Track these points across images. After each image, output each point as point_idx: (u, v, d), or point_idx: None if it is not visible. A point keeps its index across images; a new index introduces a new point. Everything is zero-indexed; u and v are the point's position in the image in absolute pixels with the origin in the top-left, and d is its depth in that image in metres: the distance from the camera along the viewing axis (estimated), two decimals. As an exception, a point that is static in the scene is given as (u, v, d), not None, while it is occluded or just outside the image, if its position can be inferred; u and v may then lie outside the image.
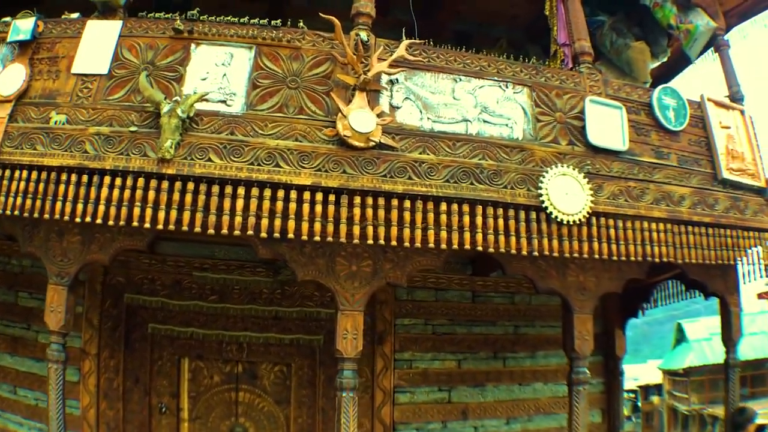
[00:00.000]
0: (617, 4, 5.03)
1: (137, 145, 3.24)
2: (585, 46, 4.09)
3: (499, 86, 3.76)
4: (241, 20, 3.55)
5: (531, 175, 3.57)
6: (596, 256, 3.61)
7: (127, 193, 3.16)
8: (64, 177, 3.24)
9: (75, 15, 3.66)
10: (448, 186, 3.38)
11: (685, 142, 4.13)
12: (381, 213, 3.24)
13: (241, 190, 3.15)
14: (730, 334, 4.31)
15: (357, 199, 3.23)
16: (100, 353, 4.47)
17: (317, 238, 3.15)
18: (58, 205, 3.21)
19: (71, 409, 4.37)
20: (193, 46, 3.48)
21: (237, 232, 3.10)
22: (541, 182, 3.53)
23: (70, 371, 4.39)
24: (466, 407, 4.88)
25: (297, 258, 3.47)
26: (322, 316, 4.72)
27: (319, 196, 3.18)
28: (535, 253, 3.46)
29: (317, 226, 3.15)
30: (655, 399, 24.03)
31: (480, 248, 3.35)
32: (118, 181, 3.18)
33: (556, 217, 3.50)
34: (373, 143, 3.30)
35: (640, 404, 25.82)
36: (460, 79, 3.69)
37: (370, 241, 3.22)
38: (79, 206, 3.18)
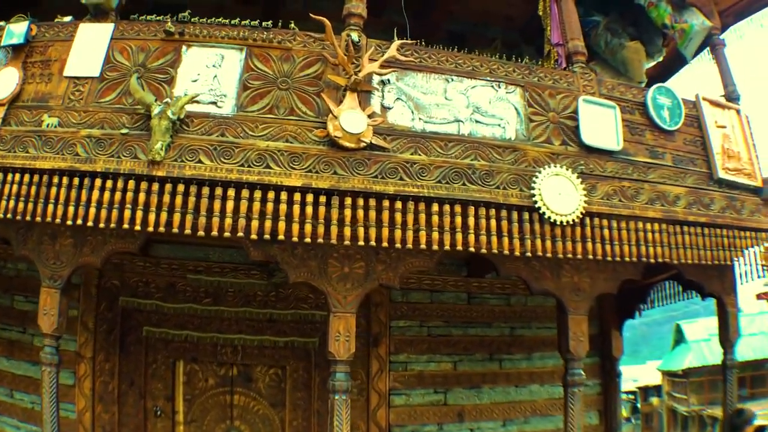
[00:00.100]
0: (612, 4, 5.01)
1: (128, 148, 3.24)
2: (578, 45, 4.07)
3: (492, 86, 3.74)
4: (232, 22, 3.54)
5: (524, 175, 3.55)
6: (590, 257, 3.59)
7: (117, 196, 3.16)
8: (56, 180, 3.24)
9: (68, 18, 3.68)
10: (439, 187, 3.37)
11: (680, 141, 4.11)
12: (372, 214, 3.23)
13: (231, 192, 3.14)
14: (727, 335, 4.27)
15: (348, 201, 3.22)
16: (95, 356, 4.48)
17: (308, 240, 3.14)
18: (50, 208, 3.21)
19: (67, 412, 4.37)
20: (184, 48, 3.48)
21: (227, 234, 3.09)
22: (534, 182, 3.52)
23: (66, 375, 4.40)
24: (462, 409, 4.85)
25: (289, 260, 3.46)
26: (316, 318, 4.71)
27: (309, 198, 3.17)
28: (528, 254, 3.44)
29: (308, 227, 3.13)
30: (654, 400, 23.95)
31: (472, 249, 3.33)
32: (109, 183, 3.18)
33: (549, 217, 3.48)
34: (364, 144, 3.29)
35: (639, 405, 25.73)
36: (452, 80, 3.68)
37: (361, 243, 3.21)
38: (71, 209, 3.18)
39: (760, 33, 5.15)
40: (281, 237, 3.13)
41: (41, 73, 3.52)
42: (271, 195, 3.15)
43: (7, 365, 4.63)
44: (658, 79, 5.08)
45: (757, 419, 4.35)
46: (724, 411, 4.27)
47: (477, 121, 3.63)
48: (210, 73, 3.42)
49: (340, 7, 3.76)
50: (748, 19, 5.01)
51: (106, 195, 3.16)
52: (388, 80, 3.54)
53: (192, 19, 3.56)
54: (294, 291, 4.71)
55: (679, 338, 21.14)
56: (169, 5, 3.86)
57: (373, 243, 3.22)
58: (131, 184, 3.16)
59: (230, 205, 3.12)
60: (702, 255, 3.88)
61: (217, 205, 3.12)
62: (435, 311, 4.99)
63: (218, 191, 3.14)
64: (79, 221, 3.16)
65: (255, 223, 3.11)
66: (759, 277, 4.23)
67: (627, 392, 25.82)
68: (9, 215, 3.23)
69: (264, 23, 3.62)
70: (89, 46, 3.51)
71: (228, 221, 3.11)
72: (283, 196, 3.16)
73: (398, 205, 3.28)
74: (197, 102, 3.32)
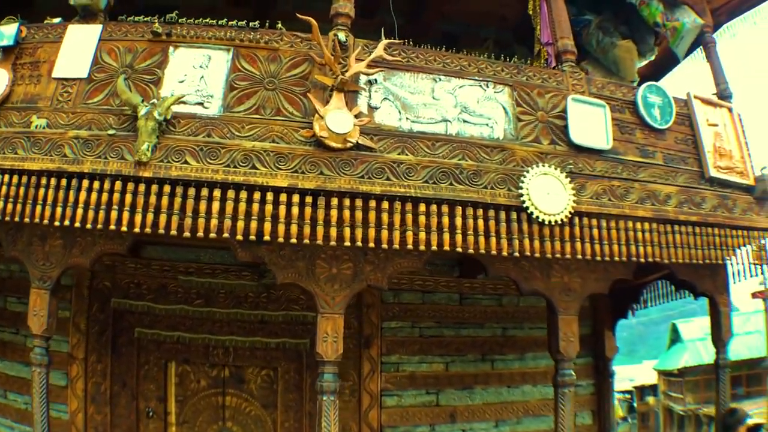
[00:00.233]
0: (604, 3, 5.01)
1: (115, 149, 3.24)
2: (568, 44, 4.06)
3: (480, 86, 3.74)
4: (219, 22, 3.54)
5: (512, 175, 3.54)
6: (579, 257, 3.58)
7: (105, 197, 3.16)
8: (44, 181, 3.25)
9: (57, 20, 3.68)
10: (427, 187, 3.36)
11: (671, 140, 4.09)
12: (358, 214, 3.22)
13: (217, 193, 3.14)
14: (720, 335, 4.25)
15: (334, 201, 3.21)
16: (87, 358, 4.47)
17: (294, 241, 3.14)
18: (38, 209, 3.21)
19: (60, 413, 4.38)
20: (171, 48, 3.48)
21: (213, 235, 3.09)
22: (522, 182, 3.51)
23: (59, 376, 4.41)
24: (454, 410, 4.84)
25: (276, 261, 3.46)
26: (308, 319, 4.69)
27: (295, 198, 3.17)
28: (516, 254, 3.43)
29: (294, 228, 3.13)
30: (650, 400, 23.93)
31: (459, 249, 3.32)
32: (96, 184, 3.19)
33: (538, 217, 3.47)
34: (351, 144, 3.28)
35: (635, 405, 25.70)
36: (440, 79, 3.67)
37: (347, 243, 3.20)
38: (59, 210, 3.19)
39: (753, 31, 5.13)
40: (267, 238, 3.13)
41: (30, 75, 3.52)
42: (257, 195, 3.15)
43: (1, 366, 4.63)
44: (650, 79, 5.05)
45: (752, 418, 4.33)
46: (717, 410, 4.24)
47: (465, 121, 3.62)
48: (197, 74, 3.42)
49: (329, 7, 3.74)
50: (742, 17, 4.99)
51: (94, 196, 3.16)
52: (376, 80, 3.53)
53: (179, 20, 3.56)
54: (285, 292, 4.70)
55: (675, 337, 21.14)
56: (160, 7, 3.87)
57: (359, 244, 3.21)
58: (118, 185, 3.16)
59: (216, 205, 3.12)
60: (693, 254, 3.86)
61: (203, 206, 3.12)
62: (427, 312, 4.97)
63: (204, 192, 3.14)
64: (67, 222, 3.16)
65: (241, 224, 3.11)
66: (752, 276, 4.21)
67: (624, 392, 25.84)
68: (-1, 216, 3.24)
69: (253, 24, 3.62)
70: (78, 48, 3.51)
71: (214, 222, 3.11)
72: (269, 196, 3.15)
73: (385, 205, 3.27)
74: (184, 103, 3.32)
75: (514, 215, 3.47)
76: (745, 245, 4.06)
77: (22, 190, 3.24)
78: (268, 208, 3.13)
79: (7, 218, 3.25)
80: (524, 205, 3.46)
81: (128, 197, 3.14)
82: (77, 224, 3.15)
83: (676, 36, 4.56)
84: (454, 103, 3.64)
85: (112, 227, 3.13)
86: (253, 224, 3.12)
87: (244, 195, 3.14)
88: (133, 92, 3.33)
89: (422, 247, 3.30)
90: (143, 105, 3.23)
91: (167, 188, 3.14)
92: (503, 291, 5.14)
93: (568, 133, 3.74)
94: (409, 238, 3.26)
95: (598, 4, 5.02)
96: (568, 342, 3.78)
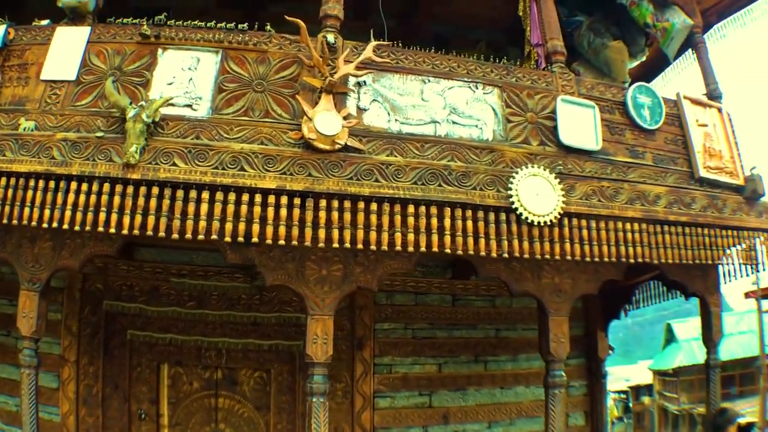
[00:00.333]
0: (595, 4, 5.01)
1: (103, 151, 3.23)
2: (557, 45, 4.07)
3: (469, 87, 3.74)
4: (208, 24, 3.54)
5: (501, 176, 3.54)
6: (569, 258, 3.58)
7: (93, 199, 3.16)
8: (32, 183, 3.24)
9: (45, 22, 3.68)
10: (415, 188, 3.36)
11: (660, 140, 4.10)
12: (347, 216, 3.22)
13: (205, 195, 3.13)
14: (710, 335, 4.26)
15: (322, 203, 3.21)
16: (79, 360, 4.47)
17: (282, 242, 3.13)
18: (26, 211, 3.21)
19: (51, 415, 4.38)
20: (160, 50, 3.49)
21: (201, 237, 3.08)
22: (511, 183, 3.50)
23: (50, 378, 4.41)
24: (447, 412, 4.84)
25: (266, 262, 3.46)
26: (301, 321, 4.63)
27: (284, 200, 3.16)
28: (505, 255, 3.43)
29: (282, 230, 3.13)
30: (645, 399, 23.95)
31: (448, 250, 3.32)
32: (85, 186, 3.18)
33: (527, 218, 3.47)
34: (339, 146, 3.29)
35: (631, 405, 25.75)
36: (429, 81, 3.68)
37: (336, 245, 3.21)
38: (47, 212, 3.18)
39: (743, 32, 5.14)
40: (255, 239, 3.13)
41: (18, 77, 3.52)
42: (245, 197, 3.14)
43: (-9, 369, 4.64)
44: (642, 80, 5.04)
45: (743, 417, 4.34)
46: (707, 410, 4.24)
47: (454, 122, 3.63)
48: (186, 76, 3.42)
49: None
50: (732, 17, 5.00)
51: (82, 198, 3.16)
52: (365, 82, 3.54)
53: (168, 22, 3.56)
54: (278, 294, 4.70)
55: (670, 337, 21.18)
56: (152, 9, 3.87)
57: (348, 245, 3.21)
58: (106, 187, 3.16)
59: (204, 207, 3.12)
60: (683, 255, 3.86)
61: (191, 207, 3.12)
62: (420, 313, 4.98)
63: (192, 194, 3.13)
64: (55, 224, 3.16)
65: (229, 226, 3.11)
66: (742, 276, 4.21)
67: (619, 392, 25.87)
68: (-14, 218, 3.23)
69: (243, 26, 3.62)
70: (66, 50, 3.51)
71: (202, 224, 3.10)
72: (258, 198, 3.15)
73: (373, 206, 3.27)
74: (172, 105, 3.32)
75: (503, 216, 3.46)
76: (735, 245, 4.06)
77: (10, 192, 3.23)
78: (257, 209, 3.13)
79: (-4, 220, 3.25)
80: (513, 206, 3.46)
81: (116, 199, 3.13)
82: (65, 226, 3.15)
83: (666, 36, 4.57)
84: (443, 104, 3.65)
85: (101, 229, 3.13)
86: (242, 226, 3.11)
87: (232, 197, 3.13)
88: (121, 94, 3.33)
89: (411, 249, 3.29)
90: (131, 107, 3.23)
91: (155, 190, 3.14)
92: (496, 292, 5.14)
93: (557, 134, 3.75)
94: (397, 239, 3.26)
95: (589, 5, 5.03)
96: (558, 343, 3.78)
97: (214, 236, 3.11)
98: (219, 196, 3.14)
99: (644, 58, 5.11)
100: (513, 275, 3.79)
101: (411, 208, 3.31)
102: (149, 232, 3.10)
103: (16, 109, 3.44)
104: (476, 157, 3.56)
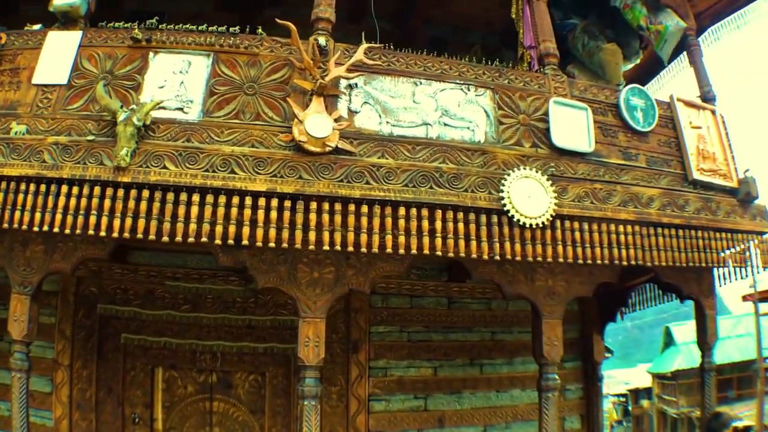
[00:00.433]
0: (590, 7, 5.02)
1: (94, 154, 3.23)
2: (550, 47, 4.07)
3: (461, 89, 3.74)
4: (200, 28, 3.55)
5: (493, 178, 3.53)
6: (561, 260, 3.57)
7: (84, 202, 3.16)
8: (23, 187, 3.24)
9: (37, 26, 3.69)
10: (406, 190, 3.35)
11: (654, 142, 4.09)
12: (337, 218, 3.21)
13: (195, 197, 3.13)
14: (705, 338, 4.23)
15: (313, 205, 3.20)
16: (72, 364, 4.46)
17: (272, 245, 3.13)
18: (17, 214, 3.21)
19: (44, 420, 4.37)
20: (151, 54, 3.49)
21: (191, 240, 3.08)
22: (503, 185, 3.50)
23: (44, 382, 4.41)
24: (443, 415, 4.82)
25: (258, 265, 3.46)
26: (296, 324, 4.48)
27: (274, 202, 3.16)
28: (497, 257, 3.42)
29: (272, 232, 3.12)
30: (645, 403, 23.91)
31: (439, 253, 3.31)
32: (75, 190, 3.18)
33: (519, 220, 3.47)
34: (330, 148, 3.28)
35: (630, 408, 25.67)
36: (421, 83, 3.68)
37: (326, 247, 3.20)
38: (38, 215, 3.18)
39: (738, 34, 5.14)
40: (245, 242, 3.12)
41: (10, 81, 3.52)
42: (235, 200, 3.14)
43: (-16, 373, 4.63)
44: (638, 83, 5.02)
45: (741, 421, 4.30)
46: (702, 414, 4.22)
47: (446, 124, 3.62)
48: (177, 80, 3.42)
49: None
50: (725, 20, 5.00)
51: (73, 201, 3.16)
52: (356, 84, 3.54)
53: (161, 26, 3.57)
54: (273, 297, 4.69)
55: (669, 340, 21.16)
56: (147, 13, 3.88)
57: (338, 248, 3.20)
58: (97, 190, 3.16)
59: (194, 210, 3.11)
60: (677, 257, 3.85)
61: (181, 210, 3.11)
62: (415, 316, 4.97)
63: (183, 197, 3.13)
64: (46, 227, 3.16)
65: (219, 229, 3.10)
66: (737, 279, 4.19)
67: (618, 395, 25.81)
68: (-22, 222, 3.23)
69: (234, 29, 3.63)
70: (58, 54, 3.51)
71: (192, 227, 3.09)
72: (248, 201, 3.15)
73: (364, 209, 3.27)
74: (164, 108, 3.32)
75: (495, 218, 3.46)
76: (729, 248, 4.04)
77: (1, 196, 3.23)
78: (247, 212, 3.13)
79: (-13, 224, 3.25)
80: (505, 209, 3.46)
81: (107, 202, 3.14)
82: (56, 229, 3.15)
83: (660, 39, 4.56)
84: (434, 106, 3.64)
85: (91, 232, 3.13)
86: (232, 229, 3.11)
87: (222, 200, 3.13)
88: (112, 98, 3.33)
89: (402, 251, 3.29)
90: (122, 111, 3.23)
91: (146, 193, 3.14)
92: (492, 295, 5.12)
93: (549, 136, 3.74)
94: (388, 242, 3.25)
95: (583, 8, 5.03)
96: (552, 346, 3.76)
97: (204, 239, 3.11)
98: (209, 198, 3.14)
99: (639, 61, 5.10)
100: (506, 278, 3.78)
101: (402, 211, 3.31)
102: (139, 236, 3.10)
103: (8, 113, 3.44)
104: (468, 159, 3.56)
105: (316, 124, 3.27)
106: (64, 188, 3.19)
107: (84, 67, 3.49)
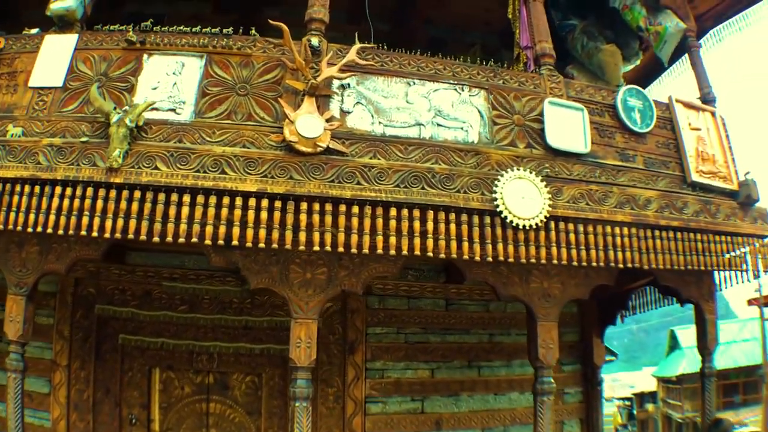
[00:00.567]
0: (589, 8, 4.98)
1: (87, 156, 3.26)
2: (546, 47, 4.03)
3: (455, 89, 3.72)
4: (193, 29, 3.57)
5: (486, 179, 3.50)
6: (555, 262, 3.53)
7: (77, 203, 3.18)
8: (18, 188, 3.27)
9: (34, 30, 3.72)
10: (398, 191, 3.34)
11: (652, 144, 4.04)
12: (328, 219, 3.21)
13: (186, 198, 3.14)
14: (705, 343, 4.17)
15: (304, 205, 3.20)
16: (70, 364, 4.49)
17: (262, 245, 3.13)
18: (12, 215, 3.24)
19: (42, 420, 4.40)
20: (145, 56, 3.51)
21: (182, 240, 3.09)
22: (496, 186, 3.47)
23: (41, 383, 4.43)
24: (440, 418, 4.79)
25: (250, 266, 3.45)
26: None
27: (264, 203, 3.16)
28: (489, 259, 3.39)
29: (262, 232, 3.12)
30: (649, 407, 23.64)
31: (431, 254, 3.29)
32: (69, 191, 3.20)
33: (512, 221, 3.44)
34: (321, 148, 3.28)
35: (635, 412, 25.38)
36: (414, 83, 3.66)
37: (317, 248, 3.19)
38: (32, 216, 3.21)
39: (740, 36, 5.07)
40: (235, 242, 3.12)
41: (8, 85, 3.56)
42: (226, 201, 3.15)
43: (-18, 374, 4.66)
44: (639, 85, 4.96)
45: (748, 427, 4.23)
46: (702, 420, 4.14)
47: (439, 125, 3.60)
48: (170, 81, 3.44)
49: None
50: (727, 22, 4.94)
51: (66, 202, 3.18)
52: (348, 84, 3.53)
53: (155, 28, 3.59)
54: (270, 298, 4.69)
55: (674, 344, 20.90)
56: (146, 15, 3.90)
57: (328, 248, 3.19)
58: (90, 191, 3.18)
59: (185, 211, 3.12)
60: (675, 260, 3.79)
61: (172, 210, 3.12)
62: (412, 318, 4.94)
63: (174, 197, 3.15)
64: (40, 228, 3.18)
65: (210, 229, 3.11)
66: (738, 282, 4.13)
67: (623, 399, 25.51)
68: (-26, 224, 3.26)
69: (228, 30, 3.64)
70: (54, 57, 3.55)
71: (183, 227, 3.10)
72: (238, 201, 3.15)
73: (355, 209, 3.26)
74: (156, 109, 3.35)
75: (488, 220, 3.43)
76: (729, 251, 3.97)
77: (-3, 197, 3.27)
78: (237, 212, 3.13)
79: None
80: (498, 210, 3.43)
81: (99, 203, 3.15)
82: (50, 230, 3.17)
83: (659, 40, 4.51)
84: (428, 106, 3.63)
85: (84, 233, 3.15)
86: (223, 229, 3.11)
87: (213, 200, 3.14)
88: (106, 100, 3.36)
89: (393, 252, 3.27)
90: (115, 112, 3.25)
91: (138, 194, 3.15)
92: (490, 297, 5.07)
93: (544, 137, 3.71)
94: (379, 242, 3.24)
95: (582, 8, 4.99)
96: (547, 349, 3.72)
97: (194, 239, 3.11)
98: (200, 199, 3.15)
99: (638, 62, 5.05)
100: (500, 279, 3.75)
101: (393, 211, 3.30)
102: (131, 236, 3.11)
103: (5, 116, 3.47)
104: (461, 159, 3.53)
105: (307, 124, 3.27)
106: (58, 189, 3.21)
107: (79, 69, 3.52)
